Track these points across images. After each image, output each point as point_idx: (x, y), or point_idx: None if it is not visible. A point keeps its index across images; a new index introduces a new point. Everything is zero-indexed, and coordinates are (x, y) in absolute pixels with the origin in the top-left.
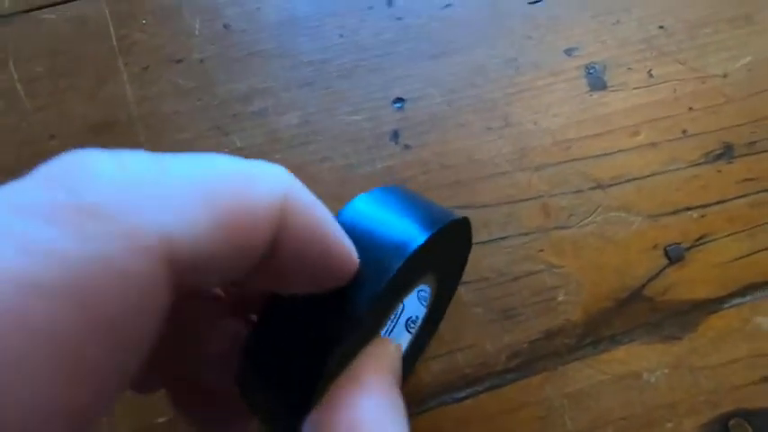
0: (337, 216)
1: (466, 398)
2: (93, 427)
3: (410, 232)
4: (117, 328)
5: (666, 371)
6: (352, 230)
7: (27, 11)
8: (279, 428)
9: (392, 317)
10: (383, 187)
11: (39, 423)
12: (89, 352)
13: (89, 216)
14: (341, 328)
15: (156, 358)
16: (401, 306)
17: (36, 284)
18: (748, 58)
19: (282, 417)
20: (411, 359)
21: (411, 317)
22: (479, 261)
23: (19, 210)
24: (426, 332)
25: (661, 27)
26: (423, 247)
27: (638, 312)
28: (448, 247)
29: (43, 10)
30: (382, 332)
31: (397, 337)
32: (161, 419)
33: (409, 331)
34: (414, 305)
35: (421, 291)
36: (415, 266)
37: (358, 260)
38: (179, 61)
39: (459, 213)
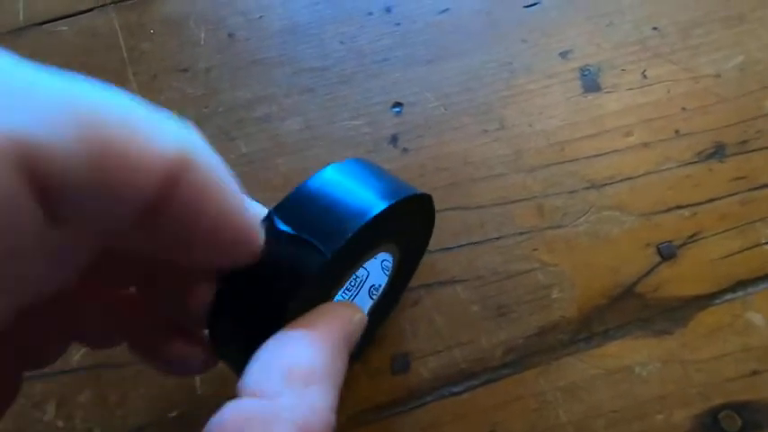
0: (306, 182)
1: (463, 392)
2: None
3: (370, 201)
4: None
5: (658, 365)
6: (317, 196)
7: (41, 23)
8: (233, 364)
9: (356, 281)
10: (352, 159)
11: None
12: None
13: None
14: (297, 283)
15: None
16: (366, 273)
17: None
18: (741, 58)
19: (241, 354)
20: (372, 325)
21: (374, 284)
22: (475, 260)
23: None
24: (388, 302)
25: (654, 28)
26: (380, 216)
27: (630, 308)
28: (409, 220)
29: (56, 22)
30: (345, 294)
31: (359, 302)
32: (172, 414)
33: (371, 297)
34: (377, 273)
35: (384, 261)
36: (373, 234)
37: (260, 237)
38: (185, 70)
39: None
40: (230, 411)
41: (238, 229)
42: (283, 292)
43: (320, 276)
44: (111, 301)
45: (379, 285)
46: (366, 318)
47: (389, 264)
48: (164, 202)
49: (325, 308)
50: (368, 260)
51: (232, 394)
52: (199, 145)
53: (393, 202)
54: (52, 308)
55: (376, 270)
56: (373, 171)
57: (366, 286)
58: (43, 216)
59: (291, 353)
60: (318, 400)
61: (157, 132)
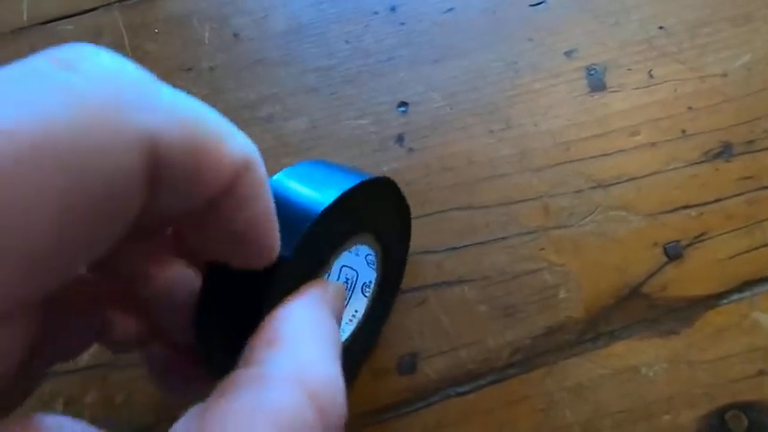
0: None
1: (469, 392)
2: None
3: (323, 193)
4: (95, 200)
5: (665, 365)
6: (281, 190)
7: (45, 23)
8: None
9: (348, 283)
10: (309, 161)
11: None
12: (66, 209)
13: (97, 103)
14: (273, 270)
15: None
16: (355, 272)
17: (37, 147)
18: (748, 57)
19: (228, 360)
20: (374, 324)
21: (365, 282)
22: (481, 260)
23: (36, 76)
24: (384, 300)
25: (661, 27)
26: (337, 204)
27: (637, 309)
28: (377, 208)
29: (60, 21)
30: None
31: (355, 302)
32: (179, 413)
33: (365, 295)
34: (365, 270)
35: (368, 255)
36: (338, 224)
37: (278, 250)
38: (189, 69)
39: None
40: (224, 381)
41: (270, 235)
42: (259, 288)
43: (285, 277)
44: (132, 307)
45: (370, 282)
46: (342, 286)
47: (373, 257)
48: (227, 194)
49: (300, 288)
50: (343, 253)
51: None
52: (257, 154)
53: (348, 188)
54: (84, 297)
55: (362, 267)
56: (333, 166)
57: (358, 286)
58: (145, 189)
59: (270, 325)
60: (310, 356)
61: (232, 138)
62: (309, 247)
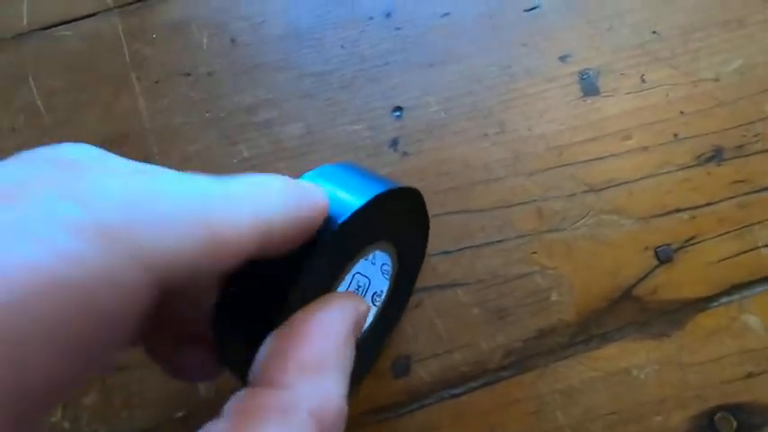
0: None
1: (462, 394)
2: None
3: (360, 193)
4: (110, 323)
5: (656, 367)
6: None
7: (44, 28)
8: (236, 367)
9: (359, 291)
10: (344, 162)
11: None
12: (83, 337)
13: (103, 235)
14: (294, 272)
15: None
16: (368, 280)
17: (61, 282)
18: (740, 62)
19: (244, 352)
20: (379, 335)
21: (377, 291)
22: (475, 263)
23: (46, 219)
24: (393, 311)
25: (654, 32)
26: (370, 205)
27: (628, 311)
28: (400, 217)
29: (59, 27)
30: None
31: None
32: (177, 415)
33: (375, 305)
34: (378, 279)
35: (384, 264)
36: (365, 226)
37: (326, 203)
38: (188, 74)
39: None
40: (248, 398)
41: (313, 220)
42: (282, 284)
43: (316, 265)
44: None
45: (382, 291)
46: (369, 306)
47: (389, 267)
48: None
49: (329, 297)
50: (364, 257)
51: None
52: (278, 207)
53: (382, 191)
54: None
55: (377, 276)
56: (362, 170)
57: (369, 294)
58: (154, 295)
59: (301, 342)
60: (331, 388)
61: (238, 217)
62: (335, 247)
